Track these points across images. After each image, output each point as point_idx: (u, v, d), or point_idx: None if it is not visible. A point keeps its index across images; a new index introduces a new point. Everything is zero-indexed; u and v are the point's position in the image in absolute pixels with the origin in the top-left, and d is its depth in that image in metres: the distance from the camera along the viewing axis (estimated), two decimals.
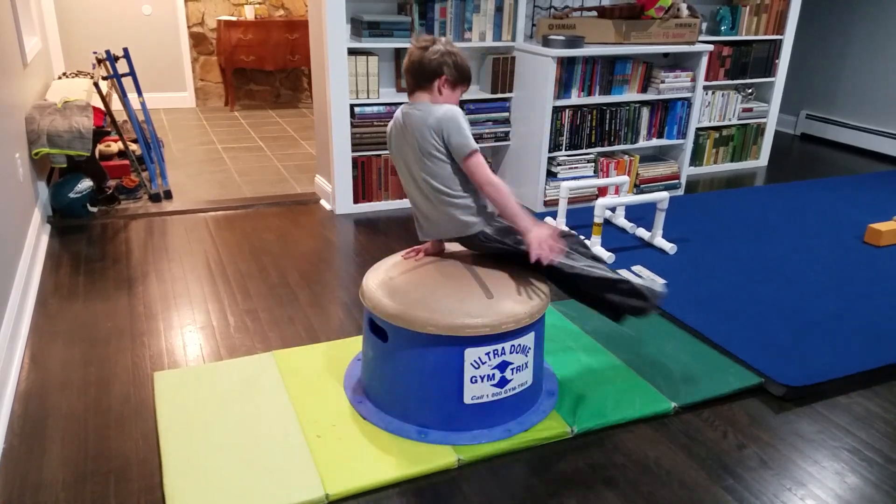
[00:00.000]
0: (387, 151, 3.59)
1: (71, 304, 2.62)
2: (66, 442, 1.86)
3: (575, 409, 2.03)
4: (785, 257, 3.16)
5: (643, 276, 2.08)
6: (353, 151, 3.56)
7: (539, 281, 1.99)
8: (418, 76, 1.90)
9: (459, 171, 1.87)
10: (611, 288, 1.98)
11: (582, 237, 2.15)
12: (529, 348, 1.93)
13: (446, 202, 1.88)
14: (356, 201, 3.67)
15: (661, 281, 2.09)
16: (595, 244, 3.08)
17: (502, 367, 1.88)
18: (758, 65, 4.53)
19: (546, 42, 3.58)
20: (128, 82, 3.98)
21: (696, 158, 4.57)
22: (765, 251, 3.22)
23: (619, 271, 2.05)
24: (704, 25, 4.33)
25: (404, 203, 3.73)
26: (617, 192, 3.67)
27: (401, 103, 3.53)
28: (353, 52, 3.42)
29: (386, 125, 3.54)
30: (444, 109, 1.85)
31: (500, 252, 1.94)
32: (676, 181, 4.16)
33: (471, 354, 1.83)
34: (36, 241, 2.97)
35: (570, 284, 2.04)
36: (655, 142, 4.06)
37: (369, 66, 3.45)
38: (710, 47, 3.93)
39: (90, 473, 1.75)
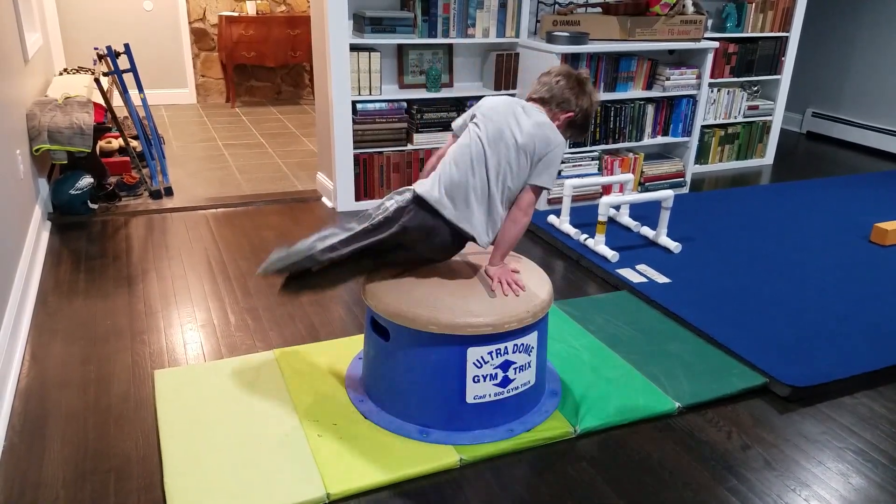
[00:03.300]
0: (388, 149, 3.61)
1: (71, 301, 2.61)
2: (66, 440, 1.86)
3: (578, 408, 2.01)
4: (790, 256, 3.14)
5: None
6: (354, 148, 3.54)
7: (542, 280, 1.97)
8: (555, 95, 1.93)
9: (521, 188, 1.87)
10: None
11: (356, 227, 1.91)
12: (532, 347, 1.91)
13: (490, 196, 1.83)
14: (358, 199, 3.65)
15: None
16: (599, 242, 3.07)
17: (505, 366, 1.86)
18: (763, 62, 4.50)
19: (550, 38, 3.56)
20: (129, 78, 3.97)
21: (702, 156, 4.55)
22: (770, 250, 3.20)
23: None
24: (710, 22, 4.31)
25: None
26: (621, 190, 3.65)
27: (402, 100, 3.56)
28: (355, 48, 3.40)
29: (388, 122, 3.55)
30: (563, 141, 1.89)
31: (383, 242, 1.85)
32: (681, 179, 4.14)
33: (473, 353, 1.82)
34: (36, 237, 2.96)
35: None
36: (660, 139, 4.04)
37: (371, 62, 3.43)
38: (716, 44, 3.90)
39: (90, 472, 1.75)
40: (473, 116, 1.92)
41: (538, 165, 1.84)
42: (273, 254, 1.91)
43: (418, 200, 1.81)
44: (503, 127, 1.85)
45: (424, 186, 1.83)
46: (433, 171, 1.89)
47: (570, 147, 3.78)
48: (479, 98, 3.72)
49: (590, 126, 2.02)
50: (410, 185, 1.89)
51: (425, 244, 1.85)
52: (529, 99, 1.98)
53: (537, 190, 1.87)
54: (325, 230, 1.89)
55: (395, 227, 1.80)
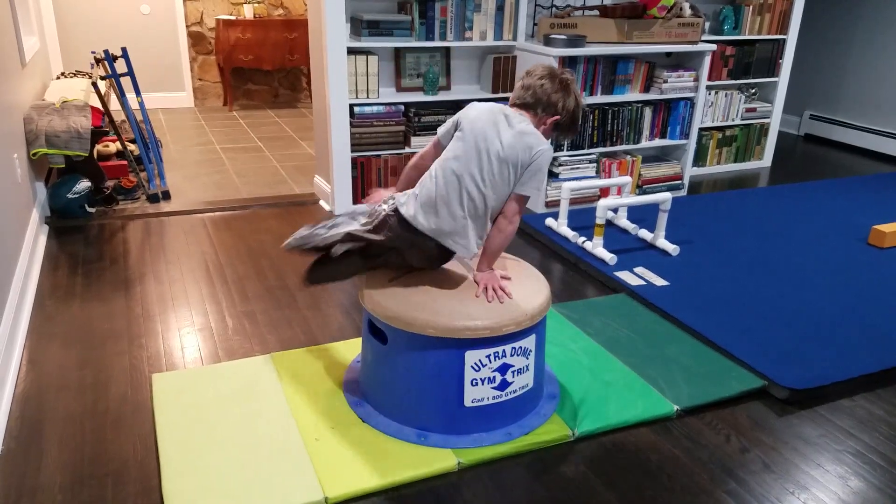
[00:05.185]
0: (386, 152, 3.61)
1: (69, 305, 2.60)
2: (63, 444, 1.85)
3: (576, 412, 2.01)
4: (788, 259, 3.14)
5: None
6: (352, 152, 3.54)
7: (540, 283, 1.97)
8: (539, 99, 1.90)
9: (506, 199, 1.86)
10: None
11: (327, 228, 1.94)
12: (530, 351, 1.91)
13: (473, 209, 1.82)
14: (356, 202, 3.65)
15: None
16: (597, 245, 3.07)
17: (503, 369, 1.86)
18: (761, 65, 4.51)
19: (547, 41, 3.57)
20: (126, 82, 3.97)
21: (699, 159, 4.55)
22: (768, 253, 3.21)
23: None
24: (707, 25, 4.31)
25: None
26: (619, 192, 3.65)
27: (399, 103, 3.56)
28: (352, 51, 3.40)
29: (385, 125, 3.55)
30: (547, 147, 1.86)
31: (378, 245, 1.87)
32: (679, 182, 4.15)
33: (471, 357, 1.81)
34: (34, 241, 2.96)
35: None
36: (658, 142, 4.05)
37: (369, 65, 3.43)
38: (713, 47, 3.91)
39: (88, 476, 1.74)
40: (458, 125, 1.88)
41: (523, 175, 1.83)
42: (299, 231, 1.96)
43: (398, 214, 1.82)
44: (486, 139, 1.82)
45: (401, 200, 1.85)
46: (407, 182, 1.93)
47: (568, 150, 3.78)
48: (476, 101, 3.74)
49: (577, 126, 1.98)
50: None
51: (411, 253, 1.87)
52: (513, 105, 1.94)
53: (522, 199, 1.86)
54: (338, 217, 1.93)
55: (382, 236, 1.82)
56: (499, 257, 1.95)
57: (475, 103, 1.94)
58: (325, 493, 1.67)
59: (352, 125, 3.49)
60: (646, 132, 3.98)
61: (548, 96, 1.89)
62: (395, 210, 1.83)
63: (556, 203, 3.59)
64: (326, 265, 1.92)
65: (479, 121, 1.85)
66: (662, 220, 3.16)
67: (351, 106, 3.47)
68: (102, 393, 2.08)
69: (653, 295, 2.72)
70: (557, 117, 1.91)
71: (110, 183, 3.68)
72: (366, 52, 3.45)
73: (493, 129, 1.83)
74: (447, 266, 1.97)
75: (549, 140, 1.94)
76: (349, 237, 1.84)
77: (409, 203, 1.82)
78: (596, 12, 3.89)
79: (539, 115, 1.91)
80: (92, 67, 3.97)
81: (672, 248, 3.13)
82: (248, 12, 5.89)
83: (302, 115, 6.03)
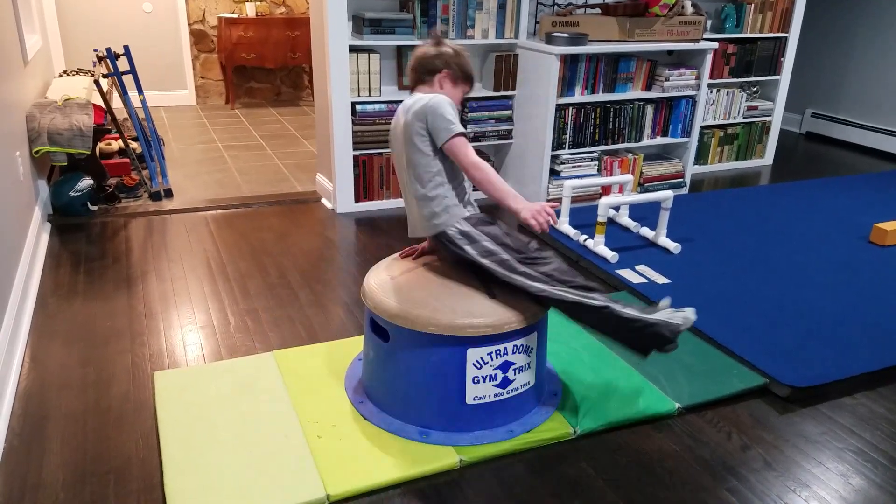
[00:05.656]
0: (388, 150, 3.61)
1: (71, 303, 2.61)
2: (65, 442, 1.85)
3: (578, 409, 2.01)
4: (789, 257, 3.14)
5: (660, 309, 1.90)
6: (354, 150, 3.54)
7: None
8: (420, 70, 1.96)
9: (437, 165, 1.85)
10: (619, 326, 1.85)
11: (559, 264, 1.92)
12: (532, 348, 1.91)
13: (415, 193, 1.89)
14: (357, 200, 3.66)
15: (686, 312, 1.90)
16: (599, 243, 3.07)
17: (504, 367, 1.86)
18: (763, 63, 4.50)
19: (549, 39, 3.56)
20: (128, 80, 3.97)
21: (701, 157, 4.55)
22: (769, 251, 3.21)
23: (624, 306, 1.86)
24: (709, 23, 4.31)
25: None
26: (621, 190, 3.65)
27: (400, 101, 3.53)
28: (354, 49, 3.40)
29: (388, 123, 3.56)
30: (432, 96, 1.87)
31: (463, 260, 1.88)
32: (681, 180, 4.14)
33: (473, 354, 1.82)
34: (36, 239, 2.96)
35: (575, 313, 1.89)
36: (659, 140, 4.04)
37: (371, 63, 3.43)
38: (715, 45, 3.90)
39: (90, 473, 1.74)
40: None
41: (433, 125, 1.82)
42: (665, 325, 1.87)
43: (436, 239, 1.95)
44: (395, 139, 1.94)
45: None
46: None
47: (570, 148, 3.78)
48: (478, 99, 3.76)
49: (470, 69, 1.97)
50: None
51: (464, 253, 1.88)
52: (411, 90, 2.00)
53: (453, 145, 1.82)
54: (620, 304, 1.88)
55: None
56: (504, 192, 1.88)
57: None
58: (327, 491, 1.67)
59: (354, 123, 3.50)
60: (647, 130, 3.98)
61: (425, 64, 1.94)
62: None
63: (558, 201, 3.59)
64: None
65: (393, 137, 1.97)
66: (664, 218, 3.16)
67: (353, 104, 3.48)
68: (105, 391, 2.08)
69: (654, 293, 2.72)
70: (445, 72, 1.93)
71: (112, 181, 3.68)
72: (368, 50, 3.45)
73: (394, 131, 1.95)
74: (448, 264, 1.97)
75: (458, 94, 1.97)
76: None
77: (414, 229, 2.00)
78: (598, 10, 3.89)
79: (428, 81, 1.95)
80: (94, 65, 3.97)
81: (673, 247, 3.13)
82: (250, 10, 5.89)
83: (304, 113, 6.04)
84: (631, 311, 1.85)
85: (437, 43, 1.95)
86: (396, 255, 2.09)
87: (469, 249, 1.85)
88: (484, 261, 1.83)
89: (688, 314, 1.89)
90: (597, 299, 1.83)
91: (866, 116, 5.23)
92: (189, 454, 1.79)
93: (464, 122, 3.44)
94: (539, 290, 1.81)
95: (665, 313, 1.87)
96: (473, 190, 1.96)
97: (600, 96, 3.80)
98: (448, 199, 1.87)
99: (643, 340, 1.88)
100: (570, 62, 3.65)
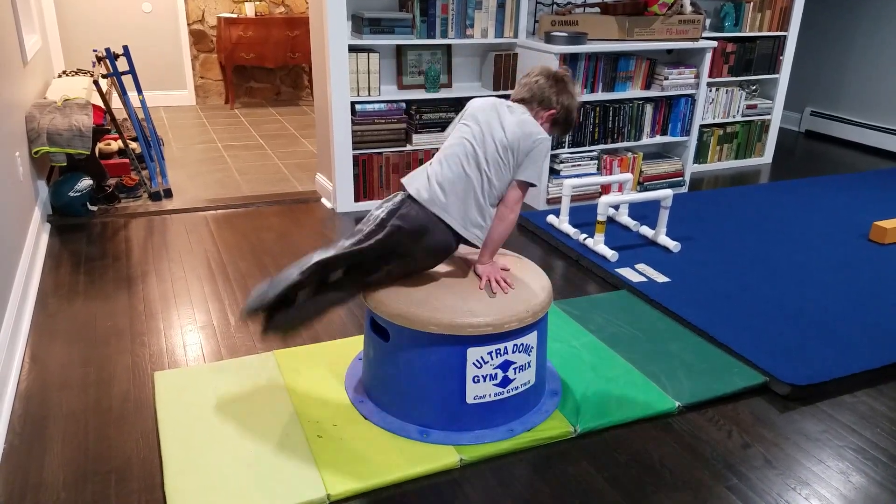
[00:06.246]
0: (388, 150, 3.61)
1: (71, 303, 2.61)
2: (66, 441, 1.86)
3: (578, 408, 2.01)
4: (789, 255, 3.14)
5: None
6: (354, 149, 3.54)
7: (541, 280, 1.98)
8: (534, 95, 1.95)
9: (487, 181, 1.86)
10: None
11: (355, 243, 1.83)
12: (532, 347, 1.91)
13: (474, 194, 1.84)
14: (357, 200, 3.65)
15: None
16: (599, 242, 3.07)
17: (505, 366, 1.86)
18: (762, 61, 4.50)
19: (548, 39, 3.56)
20: (128, 80, 3.97)
21: (700, 156, 4.55)
22: (769, 249, 3.21)
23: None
24: (708, 22, 4.31)
25: None
26: (620, 189, 3.65)
27: (401, 100, 3.56)
28: (353, 49, 3.40)
29: (388, 122, 3.56)
30: (547, 136, 1.91)
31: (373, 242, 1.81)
32: (680, 179, 4.15)
33: (473, 354, 1.82)
34: (36, 239, 2.96)
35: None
36: (659, 139, 4.04)
37: (370, 63, 3.43)
38: (714, 44, 3.90)
39: (91, 473, 1.75)
40: (462, 117, 1.97)
41: (524, 161, 1.87)
42: (252, 291, 1.82)
43: (410, 199, 1.82)
44: (489, 125, 1.88)
45: (414, 185, 1.85)
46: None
47: (569, 147, 3.78)
48: (478, 97, 3.74)
49: (573, 123, 2.04)
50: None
51: (418, 245, 1.82)
52: (513, 100, 2.01)
53: (524, 186, 1.90)
54: (304, 257, 1.82)
55: (388, 229, 1.79)
56: (497, 252, 1.96)
57: (477, 99, 1.99)
58: (327, 490, 1.67)
59: (353, 123, 3.50)
60: (647, 129, 3.98)
61: (543, 92, 1.95)
62: (404, 200, 1.83)
63: (558, 200, 3.59)
64: (290, 307, 1.81)
65: (482, 111, 1.93)
66: (663, 216, 3.16)
67: (352, 103, 3.47)
68: (105, 390, 2.08)
69: (654, 291, 2.72)
70: (554, 111, 1.96)
71: (112, 181, 3.68)
72: (367, 49, 3.45)
73: (495, 117, 1.90)
74: (448, 264, 1.97)
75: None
76: (324, 264, 1.77)
77: (424, 186, 1.84)
78: (597, 9, 3.89)
79: (536, 110, 1.96)
80: (93, 66, 3.97)
81: (673, 245, 3.13)
82: (249, 10, 5.88)
83: (303, 112, 6.04)
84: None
85: (563, 79, 1.96)
86: None
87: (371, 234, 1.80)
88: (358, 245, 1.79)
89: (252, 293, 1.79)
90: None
91: (865, 115, 5.23)
92: (189, 454, 1.79)
93: None
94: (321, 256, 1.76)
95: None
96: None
97: (600, 95, 3.80)
98: (489, 220, 1.89)
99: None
100: (569, 61, 3.65)
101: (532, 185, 1.91)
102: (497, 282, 1.87)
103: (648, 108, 3.93)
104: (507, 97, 2.03)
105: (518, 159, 1.86)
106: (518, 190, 1.89)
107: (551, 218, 3.43)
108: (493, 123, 1.88)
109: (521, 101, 1.98)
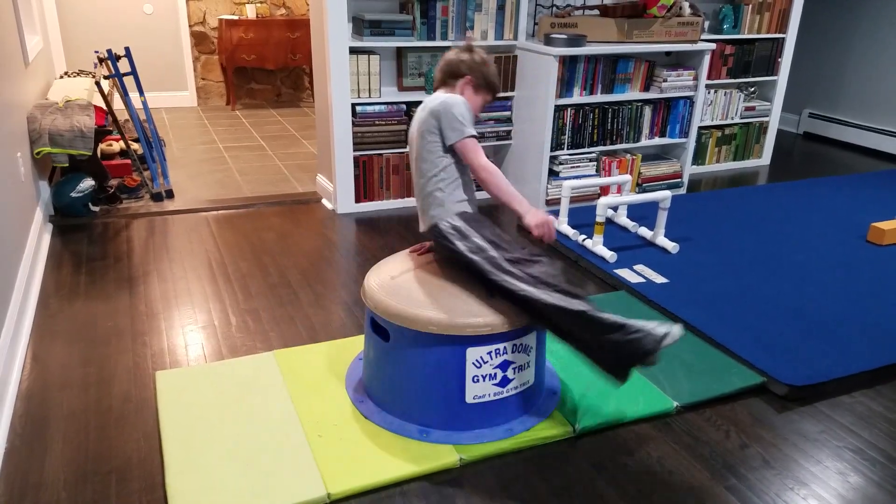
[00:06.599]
0: (388, 151, 3.63)
1: (72, 303, 2.62)
2: (67, 441, 1.86)
3: (577, 408, 2.02)
4: (788, 256, 3.15)
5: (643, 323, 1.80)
6: (354, 150, 3.55)
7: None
8: (445, 72, 2.01)
9: (442, 162, 1.90)
10: (599, 332, 1.76)
11: (557, 264, 1.90)
12: (531, 347, 1.92)
13: (419, 187, 1.94)
14: (358, 200, 3.67)
15: (674, 328, 1.77)
16: (597, 243, 3.08)
17: (504, 366, 1.87)
18: (760, 63, 4.51)
19: (548, 41, 3.58)
20: (129, 81, 3.98)
21: (699, 157, 4.56)
22: (767, 250, 3.22)
23: (607, 313, 1.79)
24: (707, 24, 4.32)
25: (406, 202, 3.72)
26: (619, 191, 3.66)
27: (401, 102, 3.58)
28: (354, 50, 3.41)
29: (388, 124, 3.57)
30: (449, 96, 1.93)
31: (455, 257, 1.88)
32: (679, 180, 4.16)
33: (472, 354, 1.83)
34: (38, 240, 2.97)
35: (548, 321, 1.84)
36: (658, 141, 4.06)
37: (371, 64, 3.44)
38: (713, 46, 3.92)
39: (91, 473, 1.75)
40: None
41: (445, 124, 1.88)
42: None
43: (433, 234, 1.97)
44: (413, 123, 1.98)
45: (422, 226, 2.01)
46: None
47: (568, 149, 3.79)
48: None
49: (496, 81, 2.03)
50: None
51: (455, 249, 1.89)
52: (435, 89, 2.05)
53: (462, 145, 1.87)
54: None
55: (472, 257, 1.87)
56: (511, 195, 1.91)
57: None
58: (327, 489, 1.68)
59: (354, 124, 3.51)
60: (645, 131, 3.99)
61: (451, 66, 2.00)
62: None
63: (557, 201, 3.60)
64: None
65: (411, 133, 2.01)
66: (662, 218, 3.17)
67: (353, 105, 3.49)
68: (106, 390, 2.09)
69: (653, 292, 2.73)
70: (469, 77, 1.98)
71: (114, 182, 3.69)
72: (368, 51, 3.46)
73: (418, 113, 1.98)
74: (449, 264, 1.98)
75: (478, 101, 2.01)
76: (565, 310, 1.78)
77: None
78: (596, 12, 3.90)
79: (452, 84, 2.00)
80: (95, 67, 3.98)
81: (671, 246, 3.14)
82: (250, 12, 5.90)
83: (304, 114, 6.05)
84: (614, 317, 1.77)
85: (468, 49, 2.01)
86: (400, 254, 2.09)
87: (459, 245, 1.85)
88: (473, 257, 1.83)
89: (675, 330, 1.77)
90: (578, 304, 1.76)
91: (864, 116, 5.25)
92: (190, 453, 1.80)
93: None
94: (521, 290, 1.77)
95: (650, 324, 1.79)
96: (477, 189, 1.98)
97: (599, 97, 3.81)
98: (445, 195, 1.90)
99: (622, 352, 1.76)
100: (568, 63, 3.66)
101: (467, 137, 1.86)
102: (549, 227, 1.86)
103: (647, 110, 3.94)
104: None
105: (437, 130, 1.89)
106: (463, 153, 1.88)
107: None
108: (412, 130, 1.98)
109: (440, 86, 2.03)
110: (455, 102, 1.89)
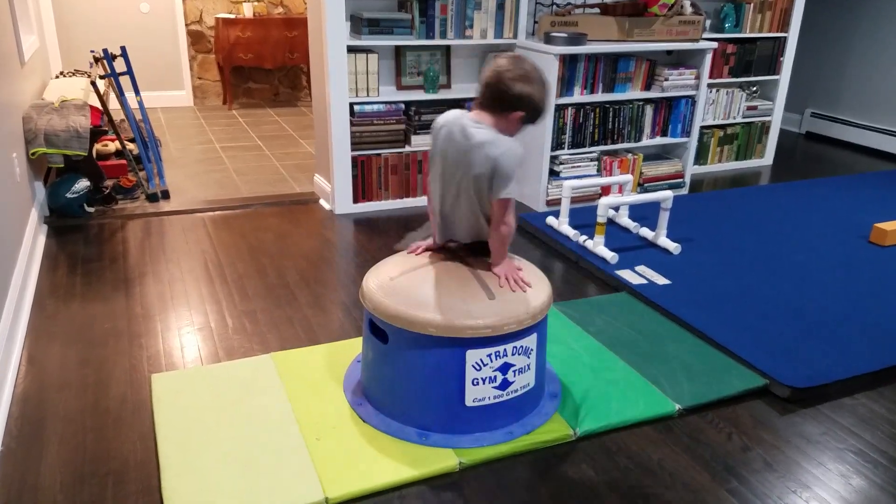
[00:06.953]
0: (386, 150, 3.61)
1: (68, 304, 2.60)
2: (63, 444, 1.85)
3: (578, 411, 2.01)
4: (789, 257, 3.13)
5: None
6: (352, 150, 3.53)
7: (541, 282, 1.97)
8: (497, 98, 1.81)
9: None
10: None
11: None
12: (532, 350, 1.90)
13: (476, 216, 1.90)
14: (356, 201, 3.65)
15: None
16: (598, 244, 3.06)
17: (504, 368, 1.86)
18: (762, 62, 4.50)
19: (548, 39, 3.56)
20: (125, 81, 3.96)
21: (701, 157, 4.55)
22: (769, 251, 3.20)
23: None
24: (708, 23, 4.30)
25: (404, 203, 3.71)
26: (620, 191, 3.64)
27: (400, 101, 3.56)
28: (352, 49, 3.39)
29: (386, 123, 3.55)
30: (507, 148, 1.79)
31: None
32: (680, 180, 4.14)
33: (472, 356, 1.81)
34: (33, 241, 2.95)
35: None
36: (659, 140, 4.04)
37: (369, 63, 3.42)
38: (714, 45, 3.90)
39: (88, 475, 1.74)
40: (433, 145, 1.93)
41: (494, 180, 1.80)
42: None
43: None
44: (454, 158, 1.83)
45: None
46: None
47: (569, 148, 3.78)
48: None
49: (544, 112, 1.88)
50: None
51: None
52: (477, 104, 1.87)
53: (500, 203, 1.83)
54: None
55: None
56: (503, 255, 1.94)
57: (439, 119, 1.91)
58: (325, 493, 1.66)
59: (352, 124, 3.49)
60: (647, 130, 3.98)
61: (507, 91, 1.79)
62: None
63: (558, 201, 3.58)
64: None
65: (447, 141, 1.85)
66: (664, 218, 3.15)
67: (351, 104, 3.47)
68: (102, 392, 2.07)
69: (654, 293, 2.72)
70: (521, 113, 1.83)
71: (109, 182, 3.67)
72: (366, 50, 3.44)
73: (453, 147, 1.84)
74: (448, 265, 1.96)
75: (517, 132, 1.88)
76: None
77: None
78: (597, 10, 3.88)
79: (498, 113, 1.82)
80: (91, 66, 3.96)
81: (673, 247, 3.13)
82: (247, 11, 5.87)
83: (302, 113, 6.03)
84: None
85: (523, 65, 1.81)
86: (399, 254, 2.07)
87: None
88: None
89: None
90: None
91: (866, 116, 5.23)
92: (187, 456, 1.78)
93: None
94: None
95: None
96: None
97: (599, 96, 3.80)
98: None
99: None
100: (569, 62, 3.64)
101: (508, 199, 1.82)
102: (515, 281, 1.88)
103: (648, 110, 3.92)
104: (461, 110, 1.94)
105: (487, 181, 1.81)
106: (497, 208, 1.84)
107: (551, 219, 3.42)
108: (453, 156, 1.83)
109: (483, 105, 1.84)
110: (514, 156, 1.78)
